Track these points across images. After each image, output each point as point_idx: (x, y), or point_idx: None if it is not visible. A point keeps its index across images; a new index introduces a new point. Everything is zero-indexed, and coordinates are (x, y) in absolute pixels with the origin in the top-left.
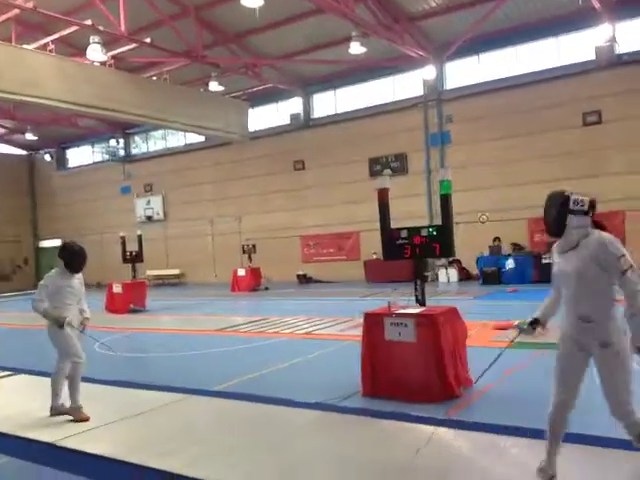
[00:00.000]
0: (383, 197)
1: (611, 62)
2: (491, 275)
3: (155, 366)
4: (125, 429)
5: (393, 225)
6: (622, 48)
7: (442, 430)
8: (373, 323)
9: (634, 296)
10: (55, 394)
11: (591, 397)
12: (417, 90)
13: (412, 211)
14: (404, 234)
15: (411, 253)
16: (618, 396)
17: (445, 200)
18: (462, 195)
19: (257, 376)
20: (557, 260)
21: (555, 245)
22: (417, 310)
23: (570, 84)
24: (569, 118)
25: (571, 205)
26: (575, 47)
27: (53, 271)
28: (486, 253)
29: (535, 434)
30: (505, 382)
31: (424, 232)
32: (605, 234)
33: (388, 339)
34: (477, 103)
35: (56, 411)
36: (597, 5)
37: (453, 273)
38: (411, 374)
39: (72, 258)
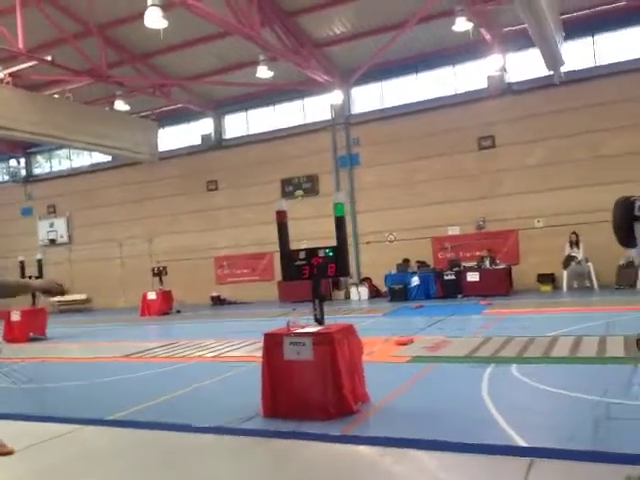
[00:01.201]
0: (281, 219)
1: (502, 90)
2: (398, 292)
3: (51, 396)
4: (12, 464)
5: (307, 245)
6: (512, 77)
7: (337, 446)
8: (273, 343)
9: None
10: None
11: None
12: (326, 113)
13: (323, 231)
14: (303, 255)
15: (309, 273)
16: None
17: (339, 222)
18: (372, 215)
19: (159, 402)
20: None
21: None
22: (315, 329)
23: (466, 110)
24: (466, 142)
25: (636, 211)
26: (470, 76)
27: None
28: (394, 271)
29: (429, 446)
30: (400, 397)
31: (321, 253)
32: None
33: (287, 358)
34: (382, 127)
35: None
36: (488, 37)
37: (364, 291)
38: (309, 392)
39: None
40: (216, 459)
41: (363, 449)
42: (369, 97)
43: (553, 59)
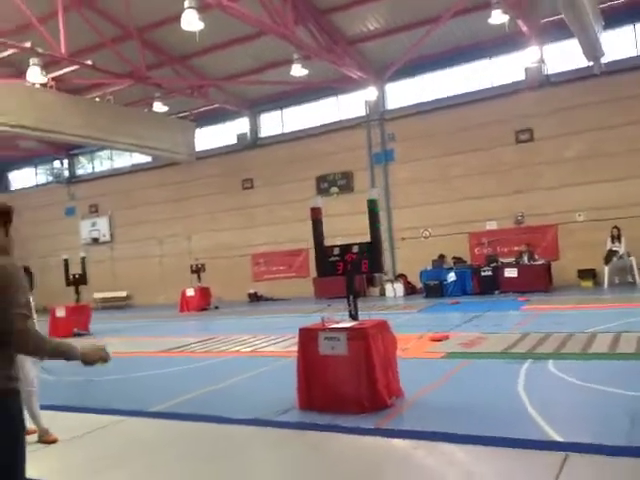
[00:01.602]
0: (316, 215)
1: (540, 82)
2: (434, 288)
3: (96, 390)
4: (62, 452)
5: (341, 241)
6: (550, 69)
7: (370, 439)
8: (307, 338)
9: None
10: None
11: None
12: (360, 110)
13: (358, 228)
14: (337, 251)
15: (343, 270)
16: None
17: (373, 218)
18: (407, 211)
19: (198, 395)
20: None
21: None
22: (349, 324)
23: (503, 104)
24: (503, 136)
25: None
26: (507, 68)
27: None
28: (429, 267)
29: (461, 439)
30: (434, 392)
31: (355, 249)
32: None
33: (322, 353)
34: (417, 122)
35: None
36: (525, 29)
37: (399, 287)
38: (344, 386)
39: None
40: (254, 450)
41: (396, 442)
42: (404, 92)
43: (592, 49)
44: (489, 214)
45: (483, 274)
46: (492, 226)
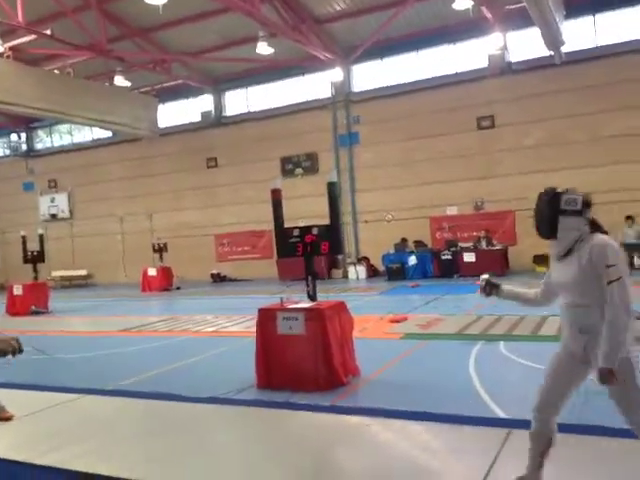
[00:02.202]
0: (276, 196)
1: (502, 70)
2: (396, 271)
3: (53, 368)
4: (18, 429)
5: (305, 223)
6: (513, 57)
7: (326, 416)
8: (266, 318)
9: (612, 314)
10: None
11: None
12: (326, 91)
13: (322, 210)
14: (296, 232)
15: (303, 251)
16: (630, 412)
17: (332, 200)
18: (371, 194)
19: (158, 374)
20: (553, 267)
21: (549, 249)
22: (307, 305)
23: (466, 90)
24: (466, 122)
25: (562, 205)
26: (470, 54)
27: None
28: (391, 250)
29: (410, 416)
30: (389, 371)
31: (314, 231)
32: (601, 237)
33: (280, 333)
34: (383, 105)
35: None
36: (489, 15)
37: (362, 270)
38: (302, 365)
39: None
40: (212, 427)
41: (351, 418)
42: (370, 75)
43: (553, 39)
44: (450, 199)
45: (443, 258)
46: (452, 211)
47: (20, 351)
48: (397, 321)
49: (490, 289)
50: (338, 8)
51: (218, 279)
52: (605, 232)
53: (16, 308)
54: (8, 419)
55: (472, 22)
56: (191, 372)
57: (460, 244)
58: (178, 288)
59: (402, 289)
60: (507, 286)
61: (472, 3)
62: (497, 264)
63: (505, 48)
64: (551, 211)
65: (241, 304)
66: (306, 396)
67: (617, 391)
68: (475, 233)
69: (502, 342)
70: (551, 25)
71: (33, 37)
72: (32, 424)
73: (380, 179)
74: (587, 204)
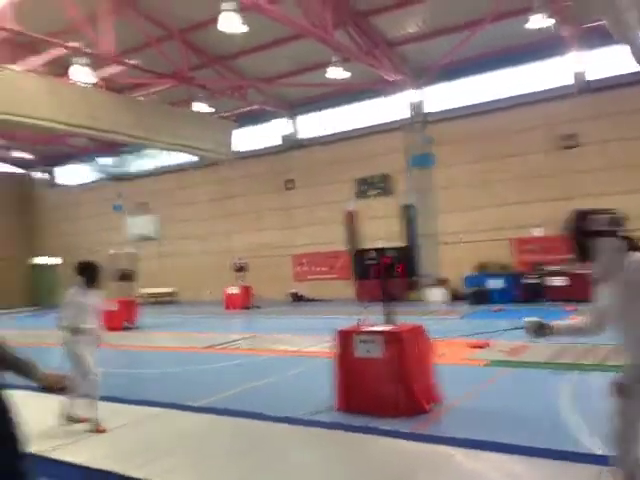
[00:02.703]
0: (350, 219)
1: (583, 88)
2: (478, 294)
3: (143, 382)
4: (107, 441)
5: (383, 244)
6: (593, 75)
7: (406, 443)
8: (344, 340)
9: None
10: (68, 405)
11: None
12: (400, 113)
13: (397, 231)
14: (372, 254)
15: (378, 273)
16: None
17: (408, 223)
18: (450, 216)
19: (239, 391)
20: (598, 291)
21: (593, 274)
22: (384, 328)
23: (546, 108)
24: (547, 141)
25: (591, 226)
26: (550, 73)
27: (72, 289)
28: (474, 273)
29: (498, 448)
30: (474, 398)
31: (390, 253)
32: (639, 254)
33: (358, 355)
34: (458, 126)
35: (68, 420)
36: (568, 34)
37: (442, 292)
38: (381, 389)
39: (93, 273)
40: (291, 448)
41: (433, 447)
42: (444, 96)
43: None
44: (535, 220)
45: (529, 281)
46: (538, 232)
47: (64, 390)
48: (479, 347)
49: (543, 331)
50: (411, 31)
51: (296, 298)
52: None
53: (110, 323)
54: (102, 432)
55: (550, 40)
56: (271, 391)
57: (547, 267)
58: (258, 307)
59: (485, 313)
60: (556, 322)
61: (548, 22)
62: (590, 288)
63: (585, 66)
64: (581, 234)
65: (319, 324)
66: (386, 421)
67: None
68: (565, 256)
69: (595, 372)
70: (634, 42)
71: (121, 67)
72: (123, 437)
73: (458, 200)
74: (617, 222)
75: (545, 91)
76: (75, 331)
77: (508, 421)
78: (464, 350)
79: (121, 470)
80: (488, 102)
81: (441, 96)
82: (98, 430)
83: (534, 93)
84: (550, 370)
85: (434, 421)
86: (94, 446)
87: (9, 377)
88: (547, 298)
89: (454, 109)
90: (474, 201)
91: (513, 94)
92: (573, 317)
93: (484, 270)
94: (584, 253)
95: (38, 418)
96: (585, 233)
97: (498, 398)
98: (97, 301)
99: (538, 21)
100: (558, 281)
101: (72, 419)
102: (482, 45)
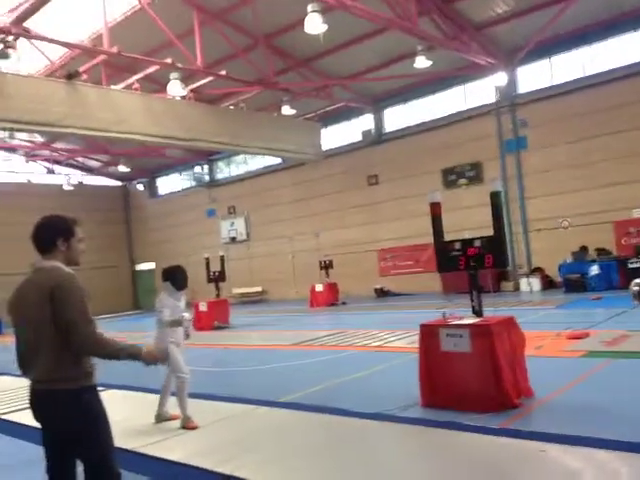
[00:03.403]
0: (435, 211)
1: None
2: (575, 282)
3: (232, 379)
4: (197, 437)
5: (470, 235)
6: None
7: (495, 439)
8: (429, 334)
9: None
10: (161, 404)
11: None
12: (489, 97)
13: (488, 220)
14: (458, 246)
15: (465, 264)
16: None
17: (496, 211)
18: (542, 201)
19: (325, 387)
20: None
21: None
22: (472, 321)
23: None
24: None
25: None
26: None
27: (162, 294)
28: (569, 260)
29: (594, 443)
30: (569, 392)
31: (477, 243)
32: None
33: (444, 350)
34: (552, 106)
35: (160, 418)
36: None
37: (535, 282)
38: (468, 384)
39: (178, 277)
40: (377, 444)
41: (524, 443)
42: (537, 75)
43: None
44: (636, 201)
45: (631, 266)
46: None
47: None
48: (577, 337)
49: None
50: (500, 11)
51: (381, 294)
52: None
53: (201, 323)
54: (194, 428)
55: None
56: (357, 387)
57: None
58: (344, 303)
59: (582, 302)
60: None
61: None
62: None
63: None
64: None
65: (404, 319)
66: (473, 417)
67: None
68: None
69: None
70: None
71: (210, 79)
72: (213, 433)
73: (552, 184)
74: None
75: None
76: (175, 323)
77: (605, 415)
78: (561, 341)
79: (210, 466)
80: (585, 77)
81: (534, 76)
82: (189, 427)
83: (635, 64)
84: None
85: (524, 416)
86: (185, 442)
87: (111, 372)
88: None
89: (548, 88)
90: (571, 184)
91: (613, 67)
92: None
93: (581, 256)
94: None
95: (133, 416)
96: None
97: (595, 391)
98: (183, 303)
99: None
100: None
101: (163, 418)
102: (577, 18)
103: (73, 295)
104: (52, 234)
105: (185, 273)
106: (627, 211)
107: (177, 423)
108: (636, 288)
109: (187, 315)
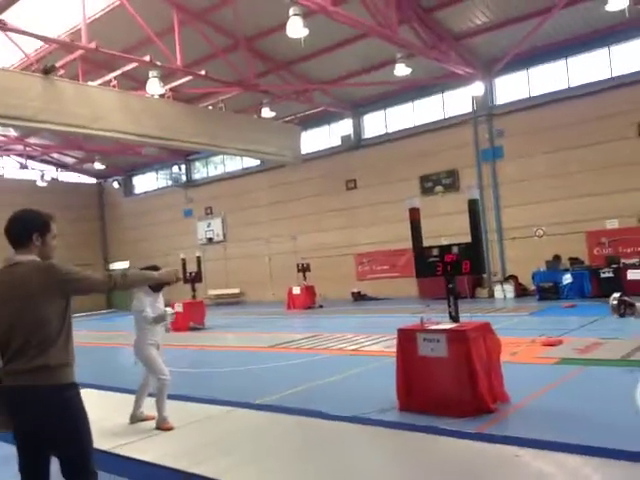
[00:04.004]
0: (414, 216)
1: None
2: (548, 290)
3: (208, 381)
4: (172, 438)
5: (447, 241)
6: None
7: (471, 443)
8: (406, 339)
9: None
10: (136, 404)
11: None
12: (467, 106)
13: (465, 227)
14: (436, 252)
15: (442, 270)
16: None
17: (474, 218)
18: (517, 210)
19: (301, 390)
20: None
21: None
22: (449, 326)
23: (623, 95)
24: (624, 129)
25: None
26: (627, 57)
27: (138, 294)
28: (543, 268)
29: (568, 449)
30: (543, 398)
31: (455, 250)
32: None
33: (421, 354)
34: (528, 117)
35: (135, 419)
36: None
37: (509, 289)
38: (444, 389)
39: None
40: (354, 447)
41: (498, 447)
42: (514, 86)
43: None
44: (609, 212)
45: (603, 276)
46: (613, 225)
47: (178, 279)
48: (551, 344)
49: (624, 309)
50: (478, 22)
51: (359, 297)
52: None
53: (177, 324)
54: (169, 429)
55: (627, 23)
56: (333, 390)
57: (623, 260)
58: (321, 306)
59: (556, 309)
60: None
61: (627, 3)
62: None
63: None
64: None
65: (381, 323)
66: (449, 421)
67: None
68: None
69: None
70: None
71: (189, 78)
72: (189, 434)
73: (527, 193)
74: None
75: (622, 76)
76: (159, 319)
77: (578, 421)
78: (535, 348)
79: (184, 467)
80: (561, 90)
81: (511, 87)
82: (165, 427)
83: (610, 79)
84: (626, 368)
85: (500, 421)
86: (160, 443)
87: (89, 372)
88: (624, 293)
89: (525, 99)
90: (546, 194)
91: (587, 81)
92: None
93: (555, 265)
94: None
95: (107, 416)
96: None
97: (568, 397)
98: (161, 303)
99: (616, 3)
100: (635, 275)
101: (138, 418)
102: (555, 32)
103: (70, 267)
104: (28, 228)
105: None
106: (600, 221)
107: (152, 424)
108: (615, 302)
109: (170, 310)
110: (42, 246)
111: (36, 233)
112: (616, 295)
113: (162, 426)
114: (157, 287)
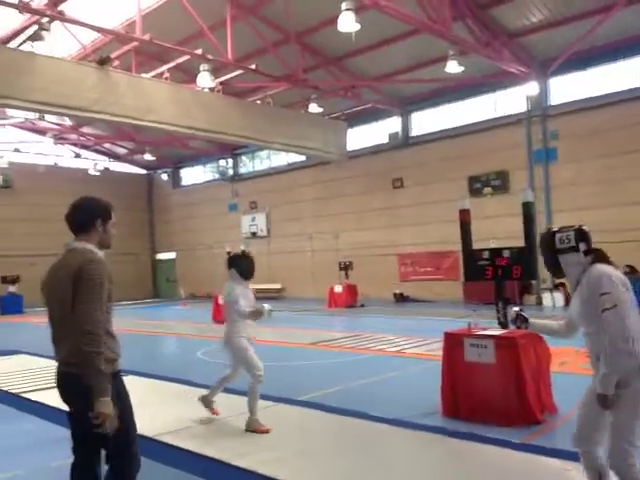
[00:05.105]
0: (464, 218)
1: None
2: None
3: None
4: (215, 428)
5: (496, 245)
6: None
7: (516, 454)
8: (453, 343)
9: (607, 342)
10: (212, 392)
11: None
12: (519, 106)
13: (514, 231)
14: (486, 255)
15: (493, 275)
16: (619, 440)
17: (528, 221)
18: (570, 215)
19: (341, 389)
20: (572, 299)
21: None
22: (498, 332)
23: None
24: None
25: (557, 244)
26: None
27: (231, 283)
28: None
29: None
30: None
31: (506, 253)
32: (599, 267)
33: (467, 360)
34: (585, 119)
35: (204, 401)
36: None
37: (559, 297)
38: (491, 396)
39: (245, 264)
40: (395, 449)
41: (545, 460)
42: (570, 87)
43: None
44: None
45: None
46: None
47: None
48: None
49: (520, 322)
50: (534, 20)
51: (400, 299)
52: (610, 262)
53: (220, 316)
54: (265, 432)
55: None
56: (375, 391)
57: None
58: (362, 305)
59: None
60: (536, 320)
61: None
62: None
63: None
64: (550, 251)
65: (423, 326)
66: (495, 430)
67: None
68: None
69: None
70: None
71: (239, 72)
72: (231, 426)
73: (580, 198)
74: (581, 238)
75: None
76: (256, 314)
77: None
78: (583, 358)
79: (226, 458)
80: (621, 92)
81: (568, 87)
82: (261, 430)
83: None
84: None
85: (547, 432)
86: (202, 434)
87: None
88: None
89: (582, 100)
90: (601, 199)
91: None
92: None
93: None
94: (555, 269)
95: (148, 402)
96: (555, 250)
97: None
98: (250, 292)
99: None
100: None
101: (207, 403)
102: (615, 31)
103: (92, 281)
104: (91, 215)
105: (252, 260)
106: None
107: (198, 414)
108: (514, 315)
109: (267, 306)
110: (103, 233)
111: (99, 220)
112: (516, 309)
113: (257, 428)
114: (248, 274)
